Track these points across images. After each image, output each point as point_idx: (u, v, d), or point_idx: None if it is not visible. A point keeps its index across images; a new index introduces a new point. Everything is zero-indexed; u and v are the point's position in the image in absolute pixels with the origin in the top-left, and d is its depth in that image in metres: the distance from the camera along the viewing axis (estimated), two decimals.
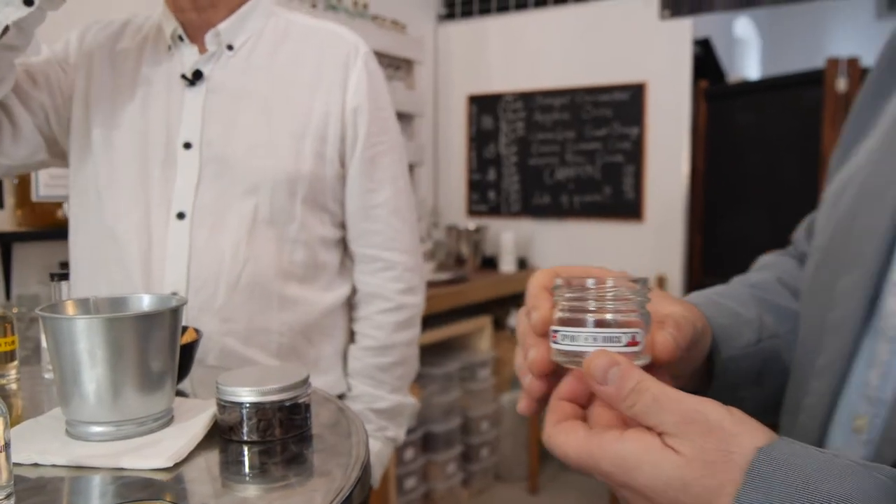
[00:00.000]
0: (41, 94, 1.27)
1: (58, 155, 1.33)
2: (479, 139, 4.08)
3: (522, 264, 3.82)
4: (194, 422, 0.81)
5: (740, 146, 3.40)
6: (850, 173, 0.66)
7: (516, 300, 3.78)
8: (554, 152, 3.84)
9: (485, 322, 3.53)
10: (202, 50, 1.30)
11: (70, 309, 0.82)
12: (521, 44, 3.93)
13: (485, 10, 4.04)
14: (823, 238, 0.67)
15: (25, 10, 1.08)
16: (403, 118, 3.78)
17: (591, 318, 0.51)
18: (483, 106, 4.04)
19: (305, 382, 0.79)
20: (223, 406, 0.78)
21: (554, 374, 0.54)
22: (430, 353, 3.28)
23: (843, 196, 0.65)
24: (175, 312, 0.78)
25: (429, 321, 3.16)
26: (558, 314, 0.52)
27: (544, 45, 3.86)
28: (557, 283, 0.53)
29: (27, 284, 2.40)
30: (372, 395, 1.33)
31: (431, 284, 3.25)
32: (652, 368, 0.51)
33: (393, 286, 1.36)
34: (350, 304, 1.38)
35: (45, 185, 2.33)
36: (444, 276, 3.38)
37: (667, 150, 3.56)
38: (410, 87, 3.80)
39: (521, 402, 0.56)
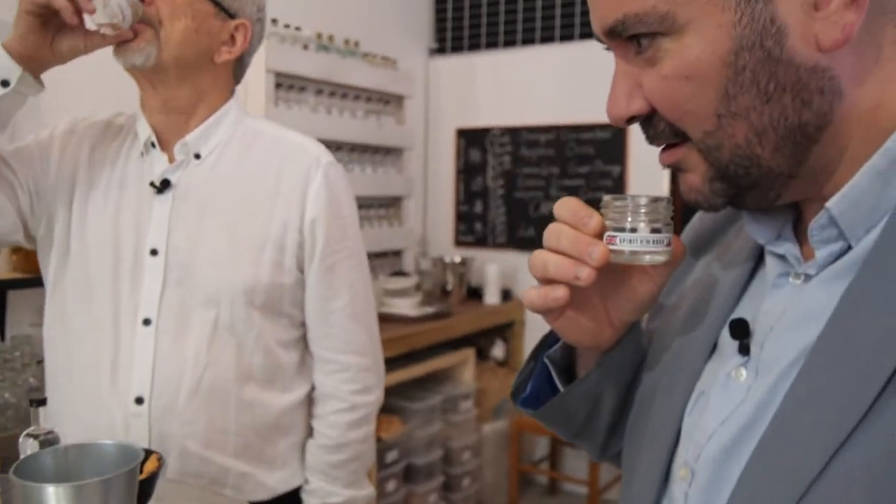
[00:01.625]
0: (13, 180, 1.33)
1: (30, 240, 1.40)
2: (467, 172, 4.18)
3: (506, 296, 3.92)
4: None
5: None
6: (657, 348, 0.81)
7: (500, 331, 3.89)
8: (539, 186, 3.95)
9: (468, 354, 3.63)
10: (171, 158, 1.37)
11: (42, 461, 0.92)
12: (509, 80, 4.03)
13: (474, 46, 4.14)
14: (635, 405, 0.81)
15: (0, 91, 1.17)
16: (393, 152, 3.88)
17: (643, 225, 0.67)
18: (471, 139, 4.15)
19: None
20: None
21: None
22: (413, 387, 3.39)
23: (650, 375, 0.80)
24: (133, 471, 0.88)
25: (412, 356, 3.27)
26: (611, 223, 0.68)
27: (531, 82, 3.95)
28: (606, 199, 0.69)
29: (21, 326, 2.51)
30: (327, 490, 1.42)
31: (416, 320, 3.36)
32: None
33: (347, 387, 1.42)
34: (310, 400, 1.45)
35: None
36: (429, 310, 3.48)
37: (647, 188, 3.65)
38: (400, 122, 3.90)
39: (560, 291, 0.69)
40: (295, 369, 1.42)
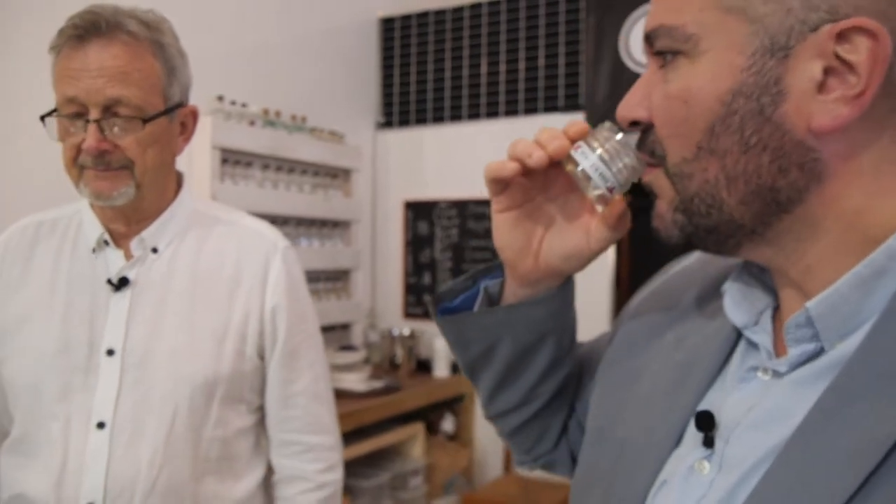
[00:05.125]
0: None
1: None
2: (416, 244, 4.19)
3: (456, 369, 3.89)
4: None
5: (664, 254, 3.55)
6: (615, 397, 0.80)
7: (450, 405, 3.85)
8: (486, 259, 3.95)
9: (418, 429, 3.58)
10: (127, 254, 1.33)
11: None
12: (456, 153, 4.08)
13: (421, 120, 4.20)
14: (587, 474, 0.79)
15: None
16: (341, 224, 3.88)
17: (607, 156, 0.70)
18: (419, 212, 4.17)
19: None
20: None
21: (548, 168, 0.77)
22: (361, 465, 3.31)
23: (608, 443, 0.77)
24: None
25: (361, 432, 3.20)
26: (590, 138, 0.72)
27: (477, 156, 3.96)
28: (608, 123, 0.72)
29: None
30: None
31: (364, 395, 3.30)
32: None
33: (312, 467, 1.40)
34: (266, 484, 1.41)
35: None
36: (377, 384, 3.43)
37: None
38: (348, 195, 3.91)
39: (510, 164, 0.78)
40: (249, 455, 1.38)
